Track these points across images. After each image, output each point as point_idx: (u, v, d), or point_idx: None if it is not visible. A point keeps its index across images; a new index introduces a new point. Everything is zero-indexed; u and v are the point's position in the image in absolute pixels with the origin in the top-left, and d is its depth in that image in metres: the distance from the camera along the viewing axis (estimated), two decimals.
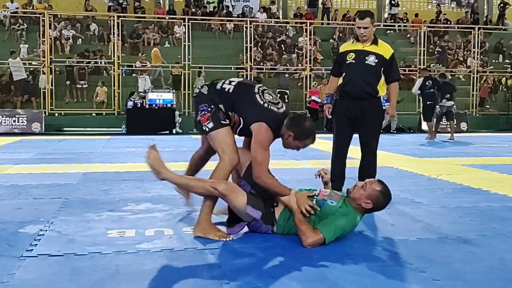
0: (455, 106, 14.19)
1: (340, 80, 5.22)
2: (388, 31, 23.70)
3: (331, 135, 5.38)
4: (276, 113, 3.63)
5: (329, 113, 5.28)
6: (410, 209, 4.58)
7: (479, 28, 20.98)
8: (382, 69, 5.06)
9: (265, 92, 3.73)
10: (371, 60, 5.01)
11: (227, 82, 3.82)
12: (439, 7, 25.34)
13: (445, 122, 15.16)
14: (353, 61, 5.07)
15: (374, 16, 5.22)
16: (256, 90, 3.71)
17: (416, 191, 5.53)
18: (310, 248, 3.31)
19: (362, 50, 5.06)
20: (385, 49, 5.10)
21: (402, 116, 17.96)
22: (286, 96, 18.22)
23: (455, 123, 14.77)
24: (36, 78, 17.33)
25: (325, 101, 5.38)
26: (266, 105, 3.63)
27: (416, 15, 24.36)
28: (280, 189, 3.55)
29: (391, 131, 16.14)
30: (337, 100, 5.28)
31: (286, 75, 18.67)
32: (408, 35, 23.19)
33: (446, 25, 23.75)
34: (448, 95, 13.37)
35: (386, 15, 25.59)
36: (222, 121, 3.71)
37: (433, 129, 13.63)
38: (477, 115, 19.65)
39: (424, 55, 19.66)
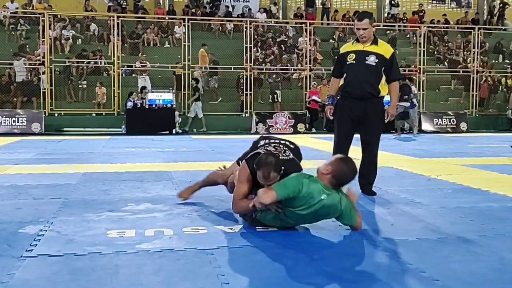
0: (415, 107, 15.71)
1: (342, 81, 5.22)
2: (388, 31, 23.70)
3: (332, 135, 5.38)
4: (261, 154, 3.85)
5: (331, 114, 5.28)
6: (410, 209, 4.58)
7: (479, 28, 20.98)
8: (383, 68, 5.07)
9: (269, 145, 4.05)
10: (372, 60, 5.02)
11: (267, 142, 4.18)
12: (421, 6, 25.30)
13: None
14: (354, 62, 5.07)
15: (373, 17, 5.23)
16: (261, 143, 4.12)
17: (416, 191, 5.53)
18: (267, 203, 3.51)
19: (363, 51, 5.07)
20: (385, 49, 5.11)
21: None
22: (275, 96, 18.28)
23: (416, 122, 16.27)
24: (35, 78, 17.30)
25: (327, 102, 5.39)
26: (260, 150, 3.97)
27: (414, 13, 24.40)
28: (247, 204, 3.78)
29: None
30: (338, 100, 5.29)
31: (274, 75, 18.64)
32: (408, 35, 23.21)
33: (446, 25, 23.75)
34: (406, 96, 14.62)
35: (386, 15, 25.59)
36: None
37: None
38: (477, 115, 19.65)
39: (424, 55, 19.66)
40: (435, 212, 4.48)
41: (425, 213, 4.45)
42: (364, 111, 5.05)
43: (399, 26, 23.36)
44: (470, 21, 24.39)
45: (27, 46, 18.43)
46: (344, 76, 5.17)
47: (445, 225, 3.99)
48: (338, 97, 5.33)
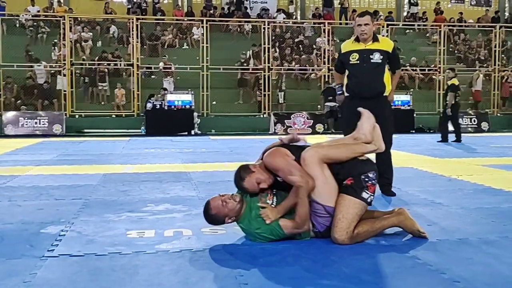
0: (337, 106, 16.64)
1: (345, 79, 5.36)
2: (408, 31, 23.52)
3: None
4: None
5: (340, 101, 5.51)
6: (430, 210, 4.54)
7: (500, 27, 20.71)
8: (387, 62, 5.22)
9: None
10: (377, 57, 5.06)
11: None
12: (439, 4, 25.05)
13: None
14: (358, 62, 5.09)
15: (373, 16, 5.34)
16: None
17: (436, 191, 5.48)
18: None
19: (366, 49, 5.09)
20: (387, 44, 5.23)
21: (422, 116, 17.82)
22: (278, 97, 18.34)
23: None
24: (54, 81, 17.53)
25: (338, 92, 5.50)
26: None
27: (436, 11, 24.19)
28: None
29: None
30: (345, 101, 5.31)
31: (277, 76, 18.61)
32: (428, 34, 23.01)
33: (467, 24, 23.50)
34: (331, 97, 15.59)
35: (405, 14, 25.42)
36: None
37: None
38: (498, 114, 19.40)
39: (444, 54, 19.46)
40: (455, 213, 4.44)
41: (445, 214, 4.41)
42: (373, 110, 5.03)
43: (418, 25, 23.18)
44: (491, 19, 24.11)
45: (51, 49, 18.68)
46: (349, 76, 5.21)
47: (466, 226, 3.95)
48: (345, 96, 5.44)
